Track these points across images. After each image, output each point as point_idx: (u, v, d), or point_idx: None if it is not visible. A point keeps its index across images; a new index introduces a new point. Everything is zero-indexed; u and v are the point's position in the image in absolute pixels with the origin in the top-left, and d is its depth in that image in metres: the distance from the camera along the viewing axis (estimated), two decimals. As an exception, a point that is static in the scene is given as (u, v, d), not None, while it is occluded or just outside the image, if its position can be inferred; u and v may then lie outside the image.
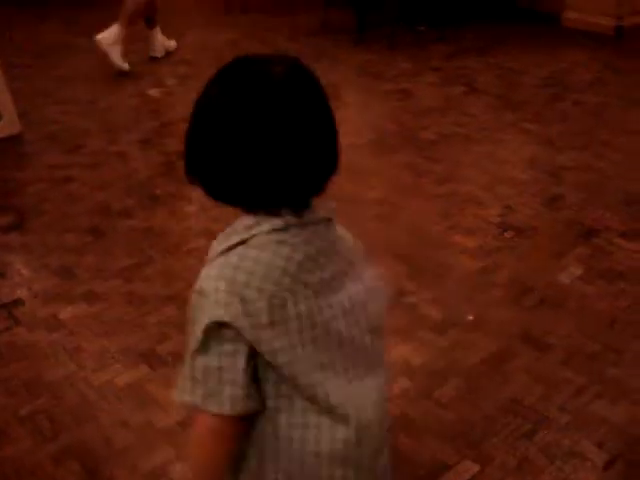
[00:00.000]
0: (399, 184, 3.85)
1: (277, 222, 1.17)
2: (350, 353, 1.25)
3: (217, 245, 1.23)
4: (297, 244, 1.17)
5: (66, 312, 2.94)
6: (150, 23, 5.57)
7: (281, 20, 6.46)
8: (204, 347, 1.15)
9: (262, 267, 1.15)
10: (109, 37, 5.27)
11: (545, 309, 2.90)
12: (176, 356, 2.66)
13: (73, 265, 3.23)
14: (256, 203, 1.19)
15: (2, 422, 2.43)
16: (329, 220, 1.24)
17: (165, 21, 5.69)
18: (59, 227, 3.52)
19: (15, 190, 3.89)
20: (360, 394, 1.25)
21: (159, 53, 5.65)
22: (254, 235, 1.17)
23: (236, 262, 1.16)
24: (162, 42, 5.66)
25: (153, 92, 5.08)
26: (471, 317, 2.85)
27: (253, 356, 1.16)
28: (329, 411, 1.21)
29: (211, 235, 1.28)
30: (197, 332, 1.15)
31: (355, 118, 4.65)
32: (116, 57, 5.29)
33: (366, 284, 1.29)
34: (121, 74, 5.31)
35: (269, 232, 1.17)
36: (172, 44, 5.74)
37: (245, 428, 1.22)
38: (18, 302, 3.01)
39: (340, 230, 1.29)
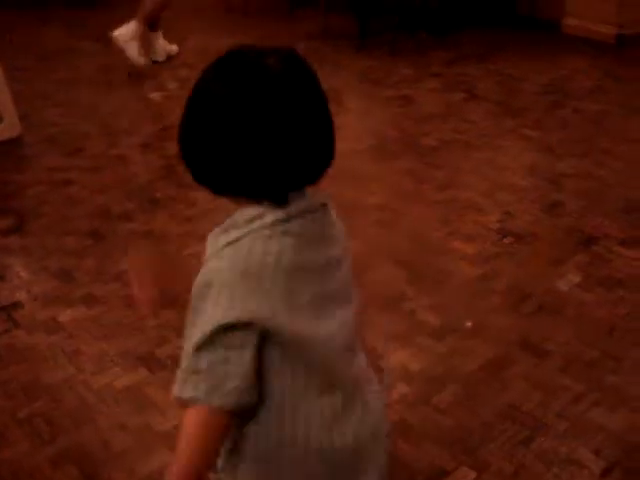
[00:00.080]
0: (400, 190, 3.85)
1: (280, 213, 1.18)
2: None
3: (213, 239, 1.23)
4: (299, 233, 1.19)
5: (65, 315, 2.94)
6: (152, 27, 5.57)
7: (282, 25, 6.46)
8: (211, 340, 1.14)
9: (271, 258, 1.16)
10: (126, 33, 5.33)
11: (544, 316, 2.90)
12: (175, 360, 2.65)
13: (72, 268, 3.23)
14: (258, 192, 1.19)
15: (0, 425, 2.43)
16: (325, 205, 1.26)
17: (167, 25, 5.70)
18: (59, 230, 3.52)
19: (15, 193, 3.90)
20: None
21: (160, 57, 5.65)
22: (257, 227, 1.18)
23: (246, 254, 1.16)
24: (164, 46, 5.66)
25: (154, 96, 5.09)
26: (470, 323, 2.85)
27: (260, 347, 1.16)
28: (331, 384, 1.26)
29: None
30: (203, 325, 1.14)
31: (356, 124, 4.66)
32: (133, 53, 5.35)
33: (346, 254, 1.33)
34: (126, 76, 5.33)
35: (273, 223, 1.18)
36: (174, 48, 5.74)
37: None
38: (17, 305, 3.01)
39: (333, 214, 1.30)
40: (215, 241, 1.22)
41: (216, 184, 1.21)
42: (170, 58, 5.70)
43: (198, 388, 1.15)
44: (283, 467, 1.27)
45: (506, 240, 3.38)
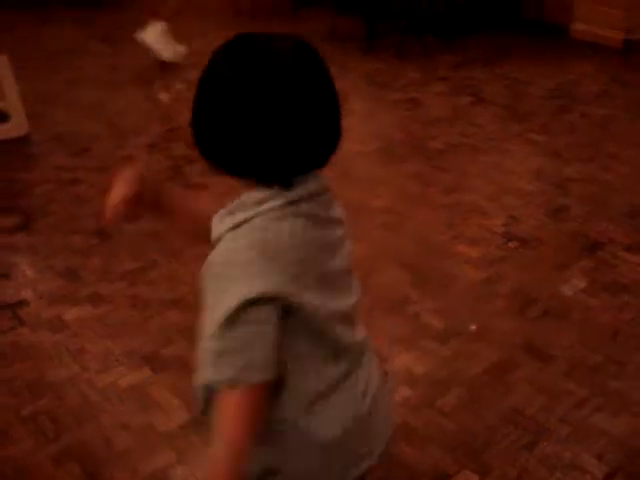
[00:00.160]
0: (406, 193, 3.86)
1: (290, 195, 1.20)
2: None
3: (218, 221, 1.25)
4: (309, 214, 1.22)
5: (70, 313, 2.95)
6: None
7: (291, 27, 6.47)
8: (237, 317, 1.14)
9: (285, 237, 1.18)
10: (152, 33, 5.45)
11: (548, 320, 2.90)
12: (179, 360, 2.67)
13: (78, 267, 3.24)
14: (267, 175, 1.20)
15: (4, 422, 2.44)
16: (328, 188, 1.28)
17: (175, 26, 5.70)
18: (65, 229, 3.53)
19: (22, 191, 3.91)
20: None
21: (168, 58, 5.66)
22: (267, 209, 1.19)
23: (261, 234, 1.18)
24: (172, 47, 5.67)
25: (162, 97, 5.10)
26: (474, 327, 2.85)
27: (280, 319, 1.17)
28: (336, 354, 1.29)
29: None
30: (228, 302, 1.14)
31: (363, 126, 4.66)
32: (161, 50, 5.46)
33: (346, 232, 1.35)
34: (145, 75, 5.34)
35: (284, 205, 1.20)
36: (182, 49, 5.75)
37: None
38: (23, 303, 3.02)
39: (334, 197, 1.32)
40: (220, 222, 1.24)
41: (222, 164, 1.22)
42: (178, 59, 5.70)
43: (233, 367, 1.15)
44: (290, 441, 1.28)
45: (511, 244, 3.38)
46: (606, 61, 5.68)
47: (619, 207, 3.67)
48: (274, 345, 1.17)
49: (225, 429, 1.17)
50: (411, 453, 2.30)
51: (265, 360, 1.16)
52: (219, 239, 1.23)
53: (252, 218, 1.19)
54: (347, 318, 1.32)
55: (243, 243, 1.18)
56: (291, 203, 1.20)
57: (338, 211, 1.31)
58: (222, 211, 1.25)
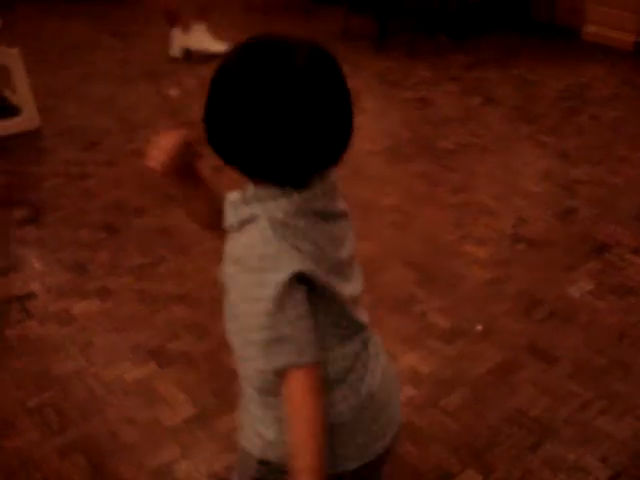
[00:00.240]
0: (414, 192, 3.86)
1: (305, 194, 1.23)
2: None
3: (232, 208, 1.28)
4: (323, 211, 1.26)
5: (78, 307, 2.97)
6: (172, 23, 5.60)
7: (302, 24, 6.47)
8: (282, 303, 1.18)
9: (302, 232, 1.22)
10: (194, 38, 5.60)
11: (554, 322, 2.90)
12: (185, 355, 2.68)
13: (86, 261, 3.25)
14: (283, 177, 1.22)
15: (10, 414, 2.46)
16: (336, 184, 1.31)
17: (186, 23, 5.71)
18: (74, 222, 3.54)
19: (32, 184, 3.92)
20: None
21: (179, 53, 5.67)
22: (283, 204, 1.21)
23: (283, 229, 1.20)
24: (182, 43, 5.67)
25: (173, 92, 5.11)
26: (480, 327, 2.86)
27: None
28: (349, 333, 1.35)
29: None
30: (267, 292, 1.17)
31: (373, 125, 4.66)
32: (210, 46, 5.53)
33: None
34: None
35: (297, 201, 1.22)
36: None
37: None
38: (31, 295, 3.03)
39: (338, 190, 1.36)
40: (235, 209, 1.27)
41: (236, 164, 1.24)
42: (189, 55, 5.71)
43: (290, 352, 1.20)
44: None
45: (518, 245, 3.38)
46: (617, 64, 5.67)
47: (627, 210, 3.67)
48: (313, 323, 1.23)
49: (300, 410, 1.22)
50: (414, 452, 2.30)
51: (313, 339, 1.22)
52: (233, 228, 1.26)
53: (270, 211, 1.21)
54: (357, 302, 1.38)
55: (268, 235, 1.20)
56: (304, 199, 1.22)
57: (342, 203, 1.34)
58: (236, 197, 1.29)
